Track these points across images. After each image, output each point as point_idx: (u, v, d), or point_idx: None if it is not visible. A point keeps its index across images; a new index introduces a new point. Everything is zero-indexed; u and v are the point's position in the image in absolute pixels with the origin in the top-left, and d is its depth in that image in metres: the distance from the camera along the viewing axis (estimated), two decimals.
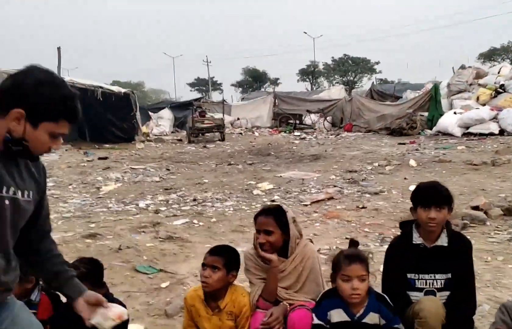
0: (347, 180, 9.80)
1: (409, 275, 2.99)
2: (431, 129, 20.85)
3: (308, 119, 27.16)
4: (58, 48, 18.97)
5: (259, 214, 3.17)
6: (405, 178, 9.60)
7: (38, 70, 1.80)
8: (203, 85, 77.42)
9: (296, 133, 23.93)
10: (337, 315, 2.79)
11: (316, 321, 2.81)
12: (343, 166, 11.78)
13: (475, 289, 3.07)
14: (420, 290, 2.95)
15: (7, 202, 1.80)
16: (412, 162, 11.29)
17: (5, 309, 1.91)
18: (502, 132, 18.35)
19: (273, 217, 3.06)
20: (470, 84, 22.49)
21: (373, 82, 38.59)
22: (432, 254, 2.94)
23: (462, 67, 23.68)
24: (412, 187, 8.36)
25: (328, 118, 26.34)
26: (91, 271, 2.81)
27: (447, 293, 2.95)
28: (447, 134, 19.29)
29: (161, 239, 6.12)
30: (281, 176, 10.76)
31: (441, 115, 20.68)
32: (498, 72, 23.06)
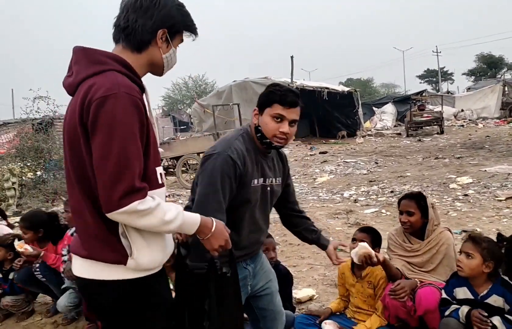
0: None
1: None
2: None
3: None
4: (291, 57, 21.10)
5: (402, 198, 3.58)
6: None
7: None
8: (433, 76, 72.99)
9: None
10: (462, 292, 3.04)
11: (444, 295, 3.12)
12: None
13: None
14: None
15: (269, 188, 2.59)
16: None
17: (258, 257, 2.78)
18: None
19: (415, 201, 3.43)
20: None
21: None
22: None
23: None
24: None
25: None
26: None
27: None
28: None
29: (349, 225, 6.83)
30: (485, 171, 10.11)
31: None
32: None
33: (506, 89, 26.76)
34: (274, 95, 2.41)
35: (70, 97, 1.80)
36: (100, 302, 1.81)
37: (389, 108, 29.36)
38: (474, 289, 3.01)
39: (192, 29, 1.96)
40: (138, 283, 1.76)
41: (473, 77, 63.36)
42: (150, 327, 1.84)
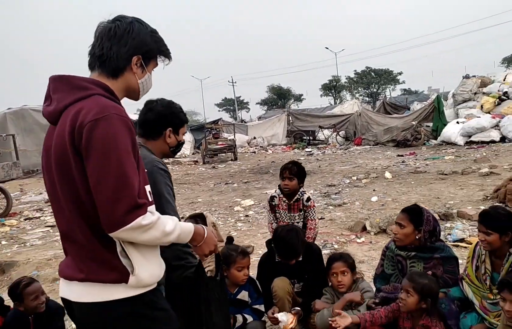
0: (323, 194, 10.70)
1: None
2: (436, 139, 21.40)
3: (321, 135, 28.01)
4: None
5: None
6: (374, 190, 10.44)
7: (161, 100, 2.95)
8: (231, 104, 79.13)
9: (308, 149, 24.75)
10: None
11: None
12: (326, 180, 12.69)
13: (325, 277, 3.98)
14: None
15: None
16: (387, 175, 12.09)
17: None
18: (503, 139, 18.75)
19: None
20: (475, 93, 22.88)
21: (385, 95, 38.99)
22: (292, 266, 3.92)
23: (466, 77, 24.11)
24: (374, 199, 9.31)
25: (341, 132, 27.04)
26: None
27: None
28: (451, 144, 19.80)
29: None
30: (266, 193, 11.73)
31: (445, 125, 21.20)
32: (504, 79, 23.34)
33: (290, 118, 30.88)
34: (183, 116, 2.92)
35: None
36: (101, 325, 1.85)
37: (187, 136, 30.73)
38: (228, 289, 3.78)
39: (166, 54, 2.12)
40: (139, 300, 1.85)
41: (266, 107, 70.79)
42: None
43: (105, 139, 1.69)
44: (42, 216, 11.20)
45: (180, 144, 2.90)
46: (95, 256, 1.80)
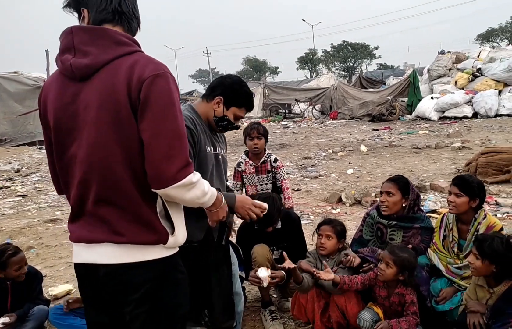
0: (299, 166, 10.86)
1: None
2: (410, 114, 21.78)
3: (297, 108, 28.12)
4: (46, 51, 20.13)
5: None
6: (349, 163, 10.65)
7: (234, 77, 2.95)
8: (205, 76, 78.51)
9: (284, 123, 24.86)
10: None
11: None
12: (302, 153, 12.87)
13: (305, 245, 4.13)
14: None
15: (220, 157, 2.89)
16: (363, 148, 12.34)
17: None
18: (476, 114, 19.24)
19: None
20: (450, 69, 23.29)
21: (361, 69, 39.25)
22: (271, 234, 3.98)
23: (442, 52, 24.44)
24: (349, 171, 9.51)
25: (317, 106, 27.21)
26: None
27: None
28: (425, 119, 20.20)
29: None
30: None
31: (420, 100, 21.58)
32: (478, 56, 23.81)
33: (266, 91, 30.83)
34: (247, 99, 2.87)
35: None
36: (129, 287, 1.83)
37: None
38: None
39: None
40: (169, 260, 1.88)
41: None
42: (176, 303, 1.94)
43: (163, 96, 1.71)
44: (12, 185, 11.05)
45: (225, 119, 2.84)
46: (136, 218, 1.79)
